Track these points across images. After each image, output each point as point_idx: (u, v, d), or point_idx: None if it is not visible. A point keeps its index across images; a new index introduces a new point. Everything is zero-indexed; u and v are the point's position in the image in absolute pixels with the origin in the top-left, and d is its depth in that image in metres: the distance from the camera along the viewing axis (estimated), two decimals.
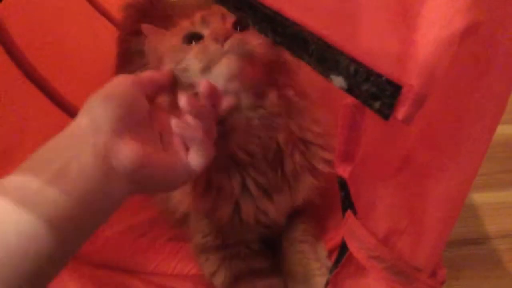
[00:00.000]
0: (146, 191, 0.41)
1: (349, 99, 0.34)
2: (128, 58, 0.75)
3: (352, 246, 0.42)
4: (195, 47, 0.48)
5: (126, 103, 0.39)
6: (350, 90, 0.28)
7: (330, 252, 0.61)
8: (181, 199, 0.57)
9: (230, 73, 0.45)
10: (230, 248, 0.59)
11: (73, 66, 0.81)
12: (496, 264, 0.71)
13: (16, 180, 0.33)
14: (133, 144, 0.38)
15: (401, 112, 0.26)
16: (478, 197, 0.79)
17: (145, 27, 0.54)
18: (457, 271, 0.69)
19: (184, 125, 0.43)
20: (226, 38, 0.45)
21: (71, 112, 0.75)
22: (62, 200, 0.32)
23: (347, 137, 0.38)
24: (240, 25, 0.49)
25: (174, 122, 0.43)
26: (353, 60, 0.27)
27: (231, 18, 0.50)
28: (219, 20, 0.49)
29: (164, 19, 0.76)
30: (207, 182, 0.53)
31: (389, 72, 0.26)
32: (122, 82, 0.42)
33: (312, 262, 0.59)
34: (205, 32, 0.50)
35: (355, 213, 0.42)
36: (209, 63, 0.46)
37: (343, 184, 0.42)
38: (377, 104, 0.27)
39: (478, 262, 0.71)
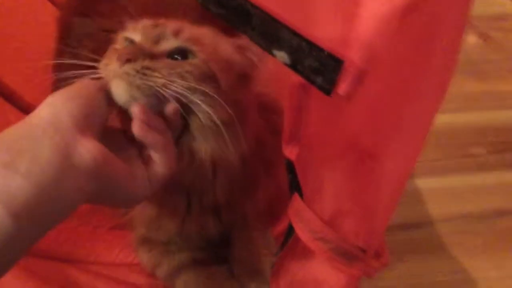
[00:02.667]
0: (103, 199, 0.38)
1: (295, 78, 0.34)
2: (74, 41, 0.71)
3: (298, 228, 0.42)
4: (105, 55, 0.46)
5: (90, 105, 0.38)
6: (293, 65, 0.27)
7: (278, 236, 0.61)
8: None
9: (119, 97, 0.42)
10: (173, 244, 0.58)
11: (10, 48, 0.75)
12: (437, 247, 0.74)
13: None
14: (95, 142, 0.36)
15: (342, 88, 0.26)
16: (422, 183, 0.82)
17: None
18: (400, 253, 0.71)
19: (146, 127, 0.41)
20: (128, 60, 0.42)
21: (7, 95, 0.71)
22: (19, 183, 0.30)
23: (294, 118, 0.38)
24: (180, 55, 0.46)
25: (137, 125, 0.41)
26: (296, 34, 0.27)
27: (172, 42, 0.46)
28: (152, 35, 0.46)
29: (110, 3, 0.73)
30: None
31: (331, 47, 0.26)
32: (87, 86, 0.40)
33: (260, 248, 0.59)
34: (136, 38, 0.47)
35: (301, 195, 0.42)
36: (106, 77, 0.43)
37: (290, 166, 0.42)
38: (319, 80, 0.27)
39: (420, 245, 0.74)
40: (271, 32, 0.27)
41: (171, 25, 0.48)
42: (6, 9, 0.78)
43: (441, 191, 0.83)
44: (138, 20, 0.50)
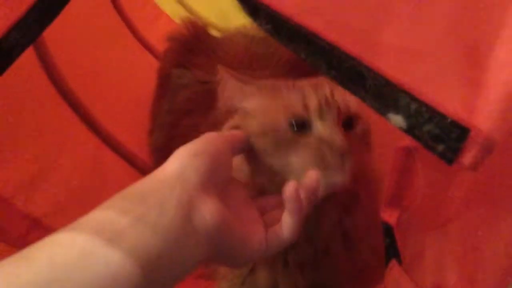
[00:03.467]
0: (219, 259, 0.38)
1: (404, 142, 0.33)
2: (172, 91, 0.76)
3: None
4: (306, 150, 0.42)
5: (216, 162, 0.38)
6: (409, 130, 0.26)
7: None
8: None
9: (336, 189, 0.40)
10: None
11: (112, 95, 0.82)
12: None
13: (99, 217, 0.32)
14: (218, 202, 0.36)
15: (467, 157, 0.24)
16: None
17: (222, 69, 0.47)
18: None
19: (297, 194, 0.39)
20: (346, 154, 0.40)
21: (105, 138, 0.76)
22: (149, 236, 0.31)
23: (397, 182, 0.36)
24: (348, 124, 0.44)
25: (292, 186, 0.38)
26: (414, 99, 0.26)
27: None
28: (336, 117, 0.42)
29: (209, 55, 0.77)
30: None
31: (454, 113, 0.25)
32: (213, 140, 0.40)
33: None
34: (318, 125, 0.42)
35: (400, 262, 0.39)
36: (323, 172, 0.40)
37: (388, 231, 0.40)
38: (440, 147, 0.25)
39: None
40: (387, 95, 0.27)
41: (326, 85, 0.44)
42: (110, 57, 0.85)
43: None
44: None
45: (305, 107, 0.42)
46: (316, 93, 0.43)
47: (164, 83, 0.79)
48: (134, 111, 0.81)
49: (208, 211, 0.34)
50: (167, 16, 1.06)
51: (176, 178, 0.35)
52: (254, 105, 0.45)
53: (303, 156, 0.41)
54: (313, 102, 0.42)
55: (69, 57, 0.72)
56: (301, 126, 0.42)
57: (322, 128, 0.42)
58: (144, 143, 0.77)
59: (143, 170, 0.76)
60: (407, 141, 0.28)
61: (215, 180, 0.37)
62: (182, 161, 0.36)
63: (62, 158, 0.66)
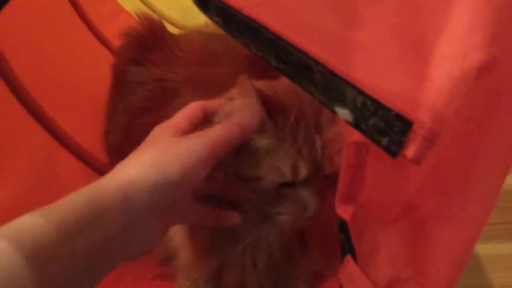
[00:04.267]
0: None
1: (355, 137, 0.33)
2: (127, 88, 0.74)
3: None
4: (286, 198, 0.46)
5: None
6: (356, 124, 0.26)
7: None
8: (173, 236, 0.54)
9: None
10: None
11: (67, 92, 0.79)
12: None
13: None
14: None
15: (410, 150, 0.24)
16: (481, 249, 0.76)
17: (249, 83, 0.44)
18: None
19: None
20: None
21: (60, 137, 0.73)
22: (39, 225, 0.29)
23: (350, 177, 0.36)
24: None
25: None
26: (360, 92, 0.25)
27: None
28: (320, 182, 0.46)
29: (165, 52, 0.75)
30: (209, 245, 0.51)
31: (398, 107, 0.25)
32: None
33: None
34: (302, 191, 0.45)
35: (355, 258, 0.39)
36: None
37: (343, 227, 0.39)
38: (384, 141, 0.25)
39: None
40: (334, 89, 0.26)
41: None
42: (64, 52, 0.82)
43: (502, 258, 0.76)
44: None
45: (295, 173, 0.43)
46: (309, 154, 0.43)
47: (119, 81, 0.77)
48: (91, 109, 0.78)
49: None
50: (127, 13, 1.04)
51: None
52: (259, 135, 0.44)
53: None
54: (302, 171, 0.43)
55: (20, 52, 0.69)
56: (285, 185, 0.44)
57: (304, 193, 0.45)
58: (101, 143, 0.75)
59: (100, 171, 0.73)
60: (357, 135, 0.28)
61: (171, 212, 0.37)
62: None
63: (14, 159, 0.64)
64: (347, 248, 0.40)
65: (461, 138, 0.31)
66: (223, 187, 0.46)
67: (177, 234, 0.53)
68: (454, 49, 0.24)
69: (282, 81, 0.48)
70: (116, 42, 0.86)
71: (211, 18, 0.33)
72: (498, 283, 0.72)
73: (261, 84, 0.47)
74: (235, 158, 0.44)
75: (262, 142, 0.43)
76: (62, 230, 0.29)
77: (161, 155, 0.35)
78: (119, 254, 0.34)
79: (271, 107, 0.43)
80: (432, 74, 0.24)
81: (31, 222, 0.29)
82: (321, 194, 0.45)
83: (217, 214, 0.46)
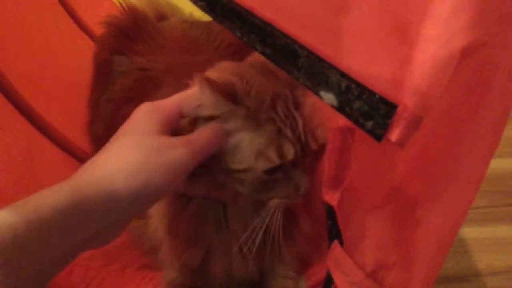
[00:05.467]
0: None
1: (340, 122, 0.33)
2: (111, 78, 0.73)
3: (338, 279, 0.39)
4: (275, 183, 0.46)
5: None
6: (340, 108, 0.26)
7: (315, 287, 0.57)
8: (156, 227, 0.54)
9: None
10: None
11: (49, 81, 0.77)
12: None
13: None
14: None
15: (395, 134, 0.24)
16: (466, 232, 0.77)
17: (206, 78, 0.43)
18: None
19: None
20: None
21: (40, 126, 0.72)
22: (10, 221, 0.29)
23: (336, 162, 0.36)
24: None
25: None
26: (344, 76, 0.25)
27: None
28: (307, 160, 0.46)
29: (148, 42, 0.74)
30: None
31: (383, 90, 0.24)
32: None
33: None
34: (291, 172, 0.46)
35: (342, 243, 0.39)
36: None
37: (330, 212, 0.40)
38: (369, 124, 0.25)
39: None
40: (319, 73, 0.26)
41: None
42: (44, 39, 0.80)
43: (487, 241, 0.77)
44: None
45: (282, 156, 0.43)
46: (294, 135, 0.44)
47: (102, 70, 0.75)
48: (72, 98, 0.77)
49: None
50: (111, 1, 1.02)
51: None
52: (235, 127, 0.44)
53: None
54: (289, 152, 0.43)
55: (4, 49, 0.68)
56: (273, 170, 0.44)
57: (294, 174, 0.45)
58: (83, 132, 0.74)
59: (82, 160, 0.72)
60: (343, 120, 0.28)
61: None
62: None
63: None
64: (334, 233, 0.40)
65: (446, 123, 0.31)
66: (206, 187, 0.47)
67: (160, 227, 0.53)
68: (439, 32, 0.24)
69: (254, 62, 0.48)
70: (99, 31, 0.84)
71: (195, 3, 0.33)
72: (482, 266, 0.73)
73: (228, 70, 0.46)
74: (219, 157, 0.44)
75: (241, 135, 0.43)
76: (36, 227, 0.30)
77: (145, 163, 0.37)
78: (92, 247, 0.36)
79: (239, 94, 0.43)
80: (416, 56, 0.24)
81: (1, 218, 0.29)
82: (309, 171, 0.46)
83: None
